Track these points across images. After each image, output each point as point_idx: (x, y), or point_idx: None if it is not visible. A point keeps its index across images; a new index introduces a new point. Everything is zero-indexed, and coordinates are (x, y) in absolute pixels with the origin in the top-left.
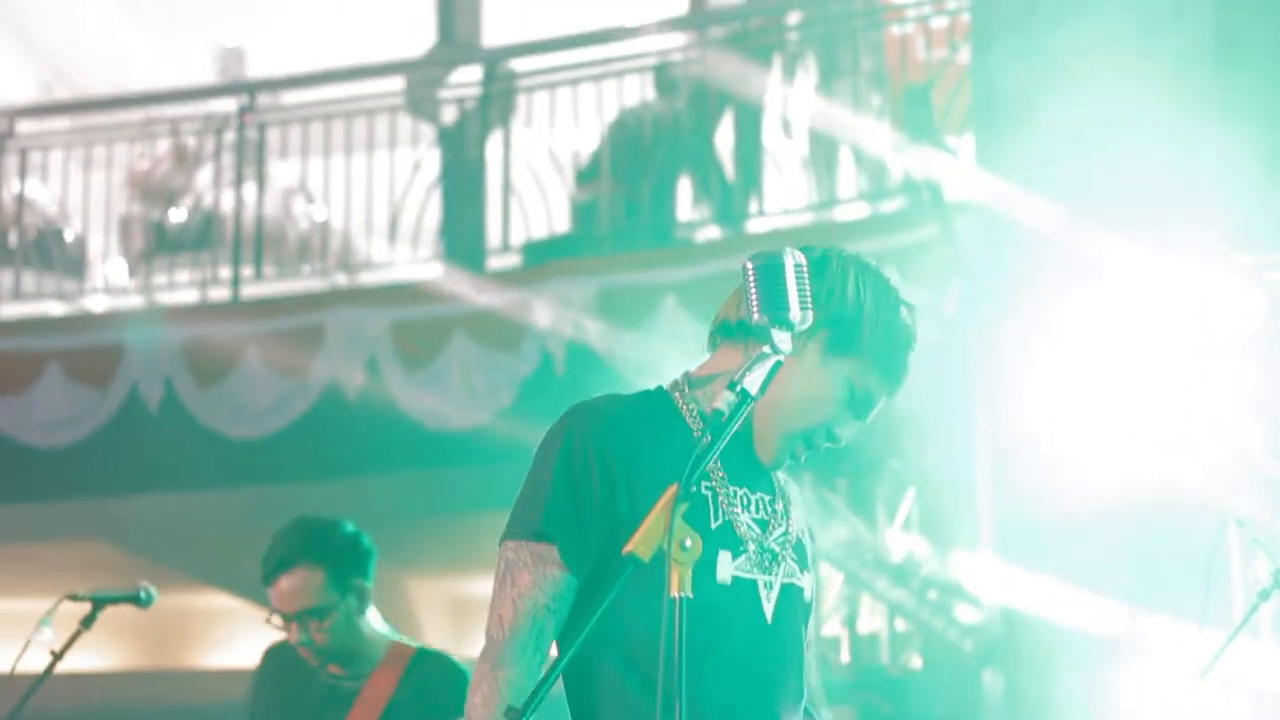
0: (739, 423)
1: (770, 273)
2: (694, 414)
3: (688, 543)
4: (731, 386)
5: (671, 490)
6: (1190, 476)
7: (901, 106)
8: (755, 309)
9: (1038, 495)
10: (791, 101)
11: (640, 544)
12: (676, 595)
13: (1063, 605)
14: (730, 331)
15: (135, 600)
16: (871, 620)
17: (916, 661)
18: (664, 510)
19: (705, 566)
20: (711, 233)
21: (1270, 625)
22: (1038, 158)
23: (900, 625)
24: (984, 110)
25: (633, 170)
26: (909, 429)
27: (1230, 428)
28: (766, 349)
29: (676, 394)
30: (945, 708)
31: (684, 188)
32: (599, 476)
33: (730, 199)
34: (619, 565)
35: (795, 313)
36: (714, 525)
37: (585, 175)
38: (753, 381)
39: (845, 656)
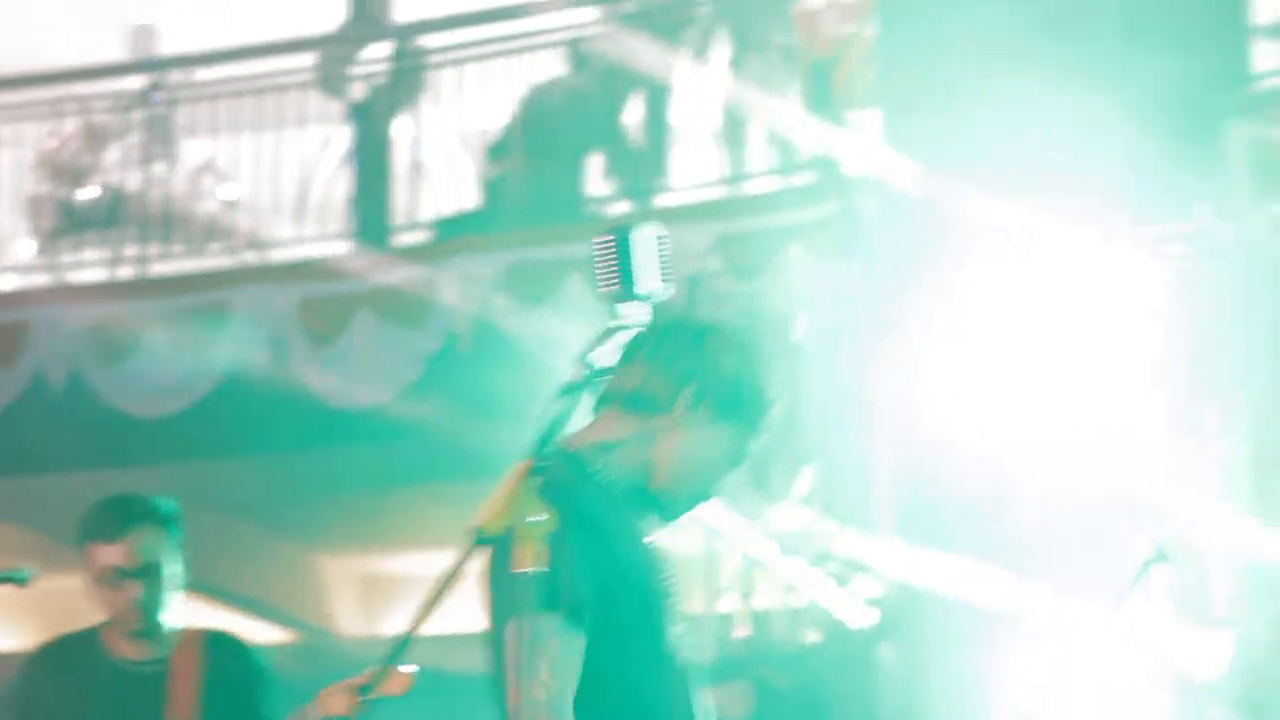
0: (586, 394)
1: (620, 246)
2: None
3: (536, 517)
4: (582, 359)
5: (523, 465)
6: (1089, 452)
7: (808, 81)
8: (605, 281)
9: (935, 472)
10: (702, 76)
11: (488, 518)
12: (529, 570)
13: (959, 581)
14: (621, 399)
15: (12, 580)
16: (769, 595)
17: (814, 636)
18: (513, 485)
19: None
20: (622, 207)
21: (1163, 597)
22: (941, 133)
23: (797, 600)
24: (888, 86)
25: (543, 146)
26: (807, 405)
27: (1129, 401)
28: (614, 323)
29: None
30: (842, 682)
31: (595, 163)
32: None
33: (640, 174)
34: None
35: (651, 284)
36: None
37: (496, 151)
38: (600, 355)
39: (743, 631)
